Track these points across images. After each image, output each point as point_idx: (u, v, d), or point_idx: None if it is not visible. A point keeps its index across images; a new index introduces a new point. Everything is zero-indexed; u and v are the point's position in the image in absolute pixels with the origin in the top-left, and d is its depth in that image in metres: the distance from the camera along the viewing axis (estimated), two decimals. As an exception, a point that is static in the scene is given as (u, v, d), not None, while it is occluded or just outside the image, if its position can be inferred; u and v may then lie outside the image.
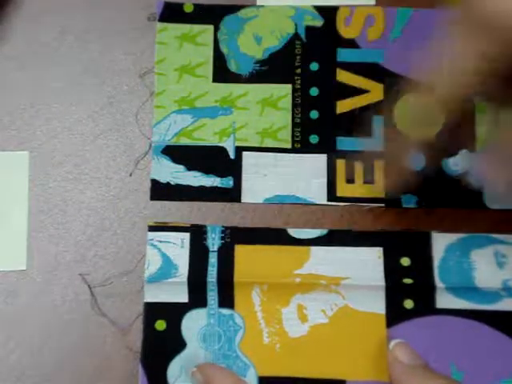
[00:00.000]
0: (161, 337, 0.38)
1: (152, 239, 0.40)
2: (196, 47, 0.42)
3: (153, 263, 0.39)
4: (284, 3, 0.42)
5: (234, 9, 0.43)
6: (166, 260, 0.39)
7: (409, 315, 0.38)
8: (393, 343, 0.37)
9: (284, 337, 0.38)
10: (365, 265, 0.39)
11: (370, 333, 0.38)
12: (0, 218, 0.40)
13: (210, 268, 0.39)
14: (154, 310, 0.38)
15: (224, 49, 0.42)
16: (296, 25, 0.42)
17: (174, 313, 0.38)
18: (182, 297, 0.39)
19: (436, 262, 0.39)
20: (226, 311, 0.39)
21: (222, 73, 0.42)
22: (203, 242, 0.39)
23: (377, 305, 0.38)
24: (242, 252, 0.39)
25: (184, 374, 0.38)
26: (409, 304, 0.38)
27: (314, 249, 0.39)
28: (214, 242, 0.39)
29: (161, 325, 0.38)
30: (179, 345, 0.38)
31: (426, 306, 0.38)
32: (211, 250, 0.39)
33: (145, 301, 0.39)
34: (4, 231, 0.40)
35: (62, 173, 0.41)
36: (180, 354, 0.38)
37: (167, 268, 0.39)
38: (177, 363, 0.38)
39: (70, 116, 0.42)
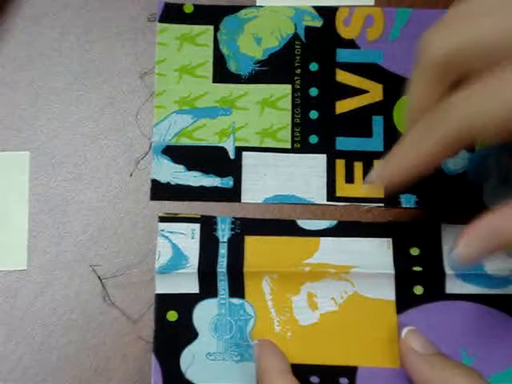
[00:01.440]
0: (173, 327, 0.38)
1: (163, 230, 0.40)
2: (196, 48, 0.42)
3: (163, 254, 0.39)
4: (284, 4, 0.43)
5: (234, 9, 0.43)
6: (177, 251, 0.39)
7: (419, 301, 0.38)
8: (405, 331, 0.37)
9: (295, 325, 0.39)
10: (374, 255, 0.39)
11: (381, 319, 0.38)
12: (0, 217, 0.40)
13: (220, 258, 0.39)
14: (165, 301, 0.39)
15: (224, 49, 0.42)
16: (296, 25, 0.42)
17: (185, 303, 0.39)
18: (193, 287, 0.39)
19: (445, 252, 0.39)
20: (236, 301, 0.39)
21: (222, 73, 0.42)
22: (213, 232, 0.40)
23: (386, 291, 0.39)
24: (251, 243, 0.39)
25: (196, 362, 0.38)
26: (418, 290, 0.39)
27: (323, 239, 0.39)
28: (224, 232, 0.40)
29: (172, 315, 0.39)
30: (191, 335, 0.38)
31: (436, 292, 0.38)
32: (221, 240, 0.39)
33: (156, 292, 0.39)
34: (4, 231, 0.40)
35: (63, 173, 0.41)
36: (192, 343, 0.38)
37: (178, 259, 0.39)
38: (189, 351, 0.38)
39: (71, 116, 0.42)
